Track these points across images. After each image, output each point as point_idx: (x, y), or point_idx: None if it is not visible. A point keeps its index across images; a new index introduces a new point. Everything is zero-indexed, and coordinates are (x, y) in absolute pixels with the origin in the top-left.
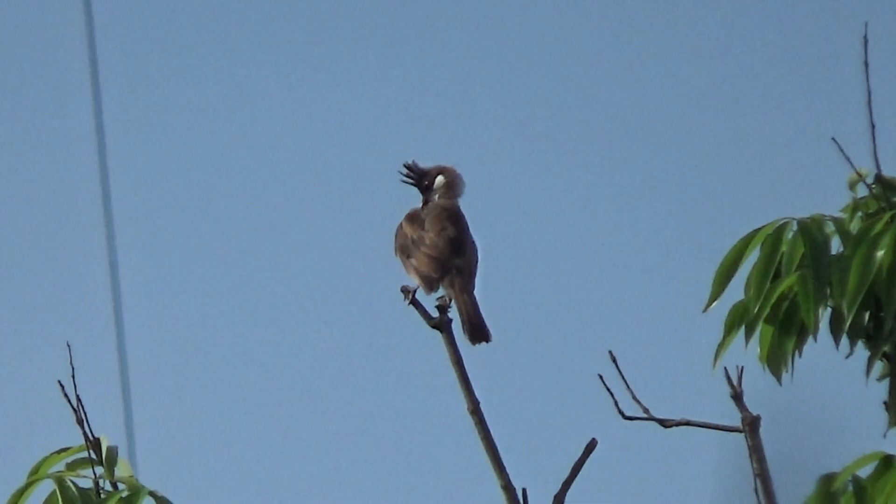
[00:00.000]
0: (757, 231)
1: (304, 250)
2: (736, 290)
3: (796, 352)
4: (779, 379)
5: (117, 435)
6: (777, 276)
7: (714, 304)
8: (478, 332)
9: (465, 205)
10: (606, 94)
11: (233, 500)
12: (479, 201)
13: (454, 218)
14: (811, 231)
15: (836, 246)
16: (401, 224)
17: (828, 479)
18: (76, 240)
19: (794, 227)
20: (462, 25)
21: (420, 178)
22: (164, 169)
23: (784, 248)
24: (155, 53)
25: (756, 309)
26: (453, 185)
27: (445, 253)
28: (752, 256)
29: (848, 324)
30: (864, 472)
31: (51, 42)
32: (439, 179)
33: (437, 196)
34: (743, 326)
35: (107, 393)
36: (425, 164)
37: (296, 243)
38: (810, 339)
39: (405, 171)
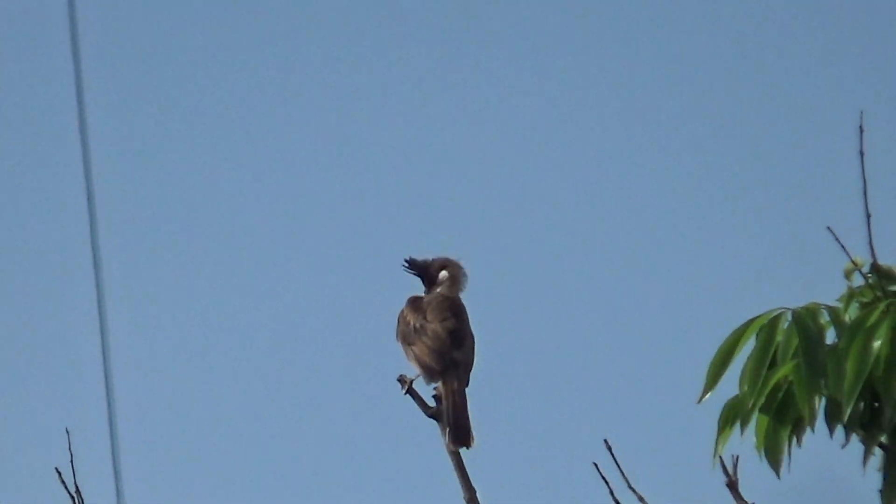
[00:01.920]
0: (751, 322)
1: (304, 333)
2: (731, 379)
3: (794, 442)
4: (777, 471)
5: None
6: (772, 365)
7: (708, 395)
8: (460, 436)
9: (469, 293)
10: (603, 176)
11: None
12: (480, 284)
13: (456, 309)
14: (805, 322)
15: (831, 335)
16: (403, 310)
17: None
18: (69, 324)
19: (789, 318)
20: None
21: (423, 269)
22: (159, 247)
23: (779, 338)
24: (141, 54)
25: (752, 401)
26: (457, 279)
27: (447, 345)
28: (747, 347)
29: (846, 414)
30: None
31: (34, 40)
32: (443, 274)
33: (440, 288)
34: (738, 423)
35: (100, 479)
36: (428, 255)
37: (295, 322)
38: (808, 429)
39: (406, 265)
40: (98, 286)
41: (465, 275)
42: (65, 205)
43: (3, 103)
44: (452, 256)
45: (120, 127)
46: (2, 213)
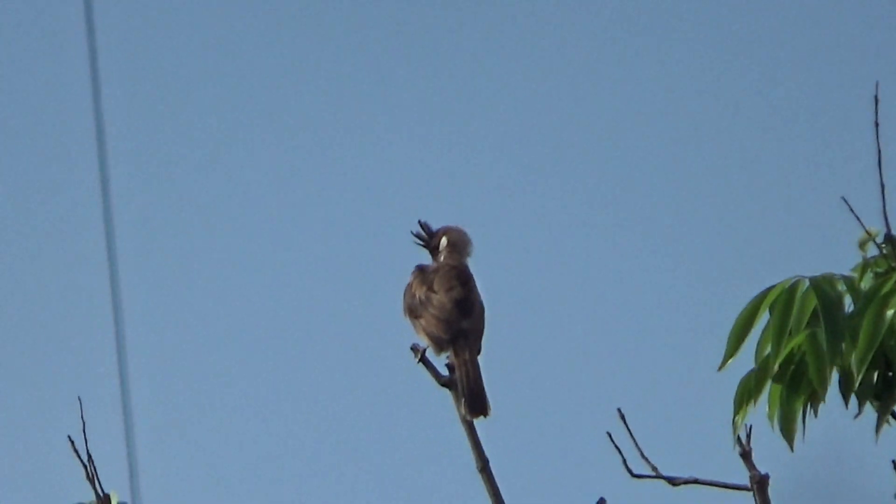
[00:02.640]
0: (769, 290)
1: (315, 305)
2: (745, 353)
3: (809, 412)
4: (791, 443)
5: (122, 487)
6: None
7: (730, 361)
8: (476, 405)
9: (475, 260)
10: (615, 154)
11: None
12: (491, 255)
13: (462, 278)
14: (824, 288)
15: (847, 305)
16: (409, 283)
17: None
18: (82, 293)
19: (807, 285)
20: (472, 62)
21: (429, 239)
22: (172, 221)
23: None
24: (157, 55)
25: (776, 367)
26: (457, 246)
27: (454, 315)
28: (765, 316)
29: (858, 383)
30: None
31: (51, 41)
32: (443, 241)
33: (442, 257)
34: (750, 400)
35: (111, 446)
36: (437, 221)
37: (307, 294)
38: (825, 399)
39: (417, 231)
40: (110, 254)
41: (468, 241)
42: (77, 165)
43: (18, 92)
44: (455, 224)
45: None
46: (15, 175)
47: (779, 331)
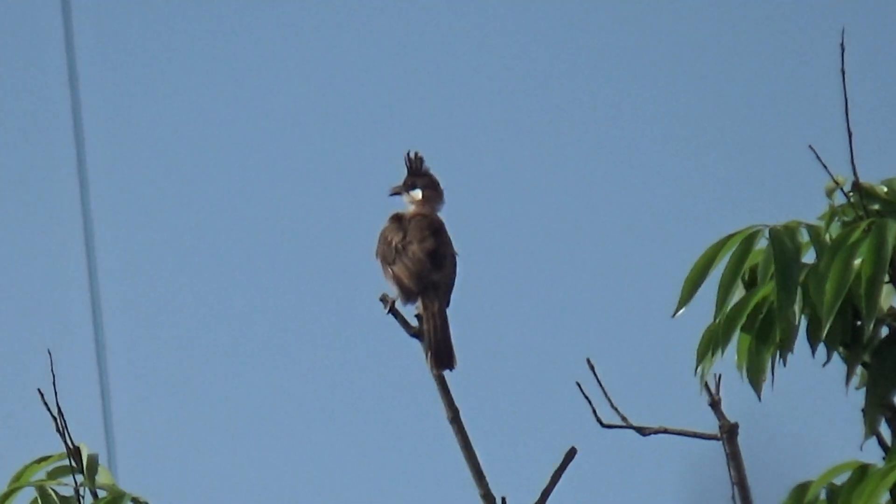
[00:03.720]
0: (728, 238)
1: (284, 258)
2: (711, 298)
3: (778, 361)
4: (758, 392)
5: (97, 440)
6: (753, 285)
7: (682, 310)
8: (442, 359)
9: (447, 209)
10: (580, 102)
11: None
12: (460, 208)
13: (434, 228)
14: (781, 240)
15: (811, 255)
16: (384, 228)
17: (802, 488)
18: (55, 245)
19: (766, 236)
20: (459, 25)
21: (416, 170)
22: (143, 168)
23: (754, 257)
24: (134, 49)
25: (722, 319)
26: (430, 197)
27: (426, 267)
28: (724, 263)
29: (825, 332)
30: (841, 480)
31: (28, 38)
32: (417, 192)
33: (415, 207)
34: (711, 352)
35: (87, 399)
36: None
37: (276, 249)
38: (793, 349)
39: (407, 161)
40: (84, 206)
41: (440, 192)
42: (50, 124)
43: None
44: (427, 174)
45: (115, 130)
46: None
47: (729, 280)
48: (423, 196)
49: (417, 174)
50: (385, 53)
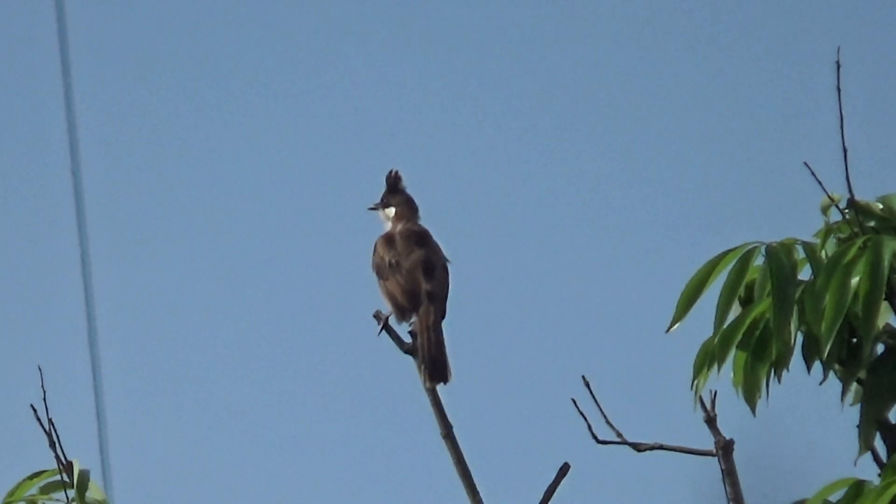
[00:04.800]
0: (724, 255)
1: (279, 272)
2: (710, 315)
3: (773, 378)
4: (753, 409)
5: (92, 457)
6: (749, 301)
7: (676, 326)
8: (436, 373)
9: (436, 223)
10: (579, 118)
11: None
12: (456, 221)
13: (421, 240)
14: (778, 257)
15: (807, 272)
16: (377, 241)
17: None
18: (49, 260)
19: (763, 253)
20: (455, 28)
21: (395, 189)
22: (138, 182)
23: (751, 274)
24: (129, 52)
25: (718, 337)
26: (405, 212)
27: (418, 282)
28: (721, 279)
29: (826, 352)
30: (837, 497)
31: (22, 42)
32: (390, 211)
33: (396, 225)
34: (708, 366)
35: (81, 415)
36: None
37: (272, 264)
38: (789, 366)
39: (390, 176)
40: (79, 219)
41: (414, 205)
42: (47, 127)
43: None
44: (403, 192)
45: (110, 135)
46: None
47: (727, 299)
48: (395, 214)
49: (393, 192)
50: (386, 61)
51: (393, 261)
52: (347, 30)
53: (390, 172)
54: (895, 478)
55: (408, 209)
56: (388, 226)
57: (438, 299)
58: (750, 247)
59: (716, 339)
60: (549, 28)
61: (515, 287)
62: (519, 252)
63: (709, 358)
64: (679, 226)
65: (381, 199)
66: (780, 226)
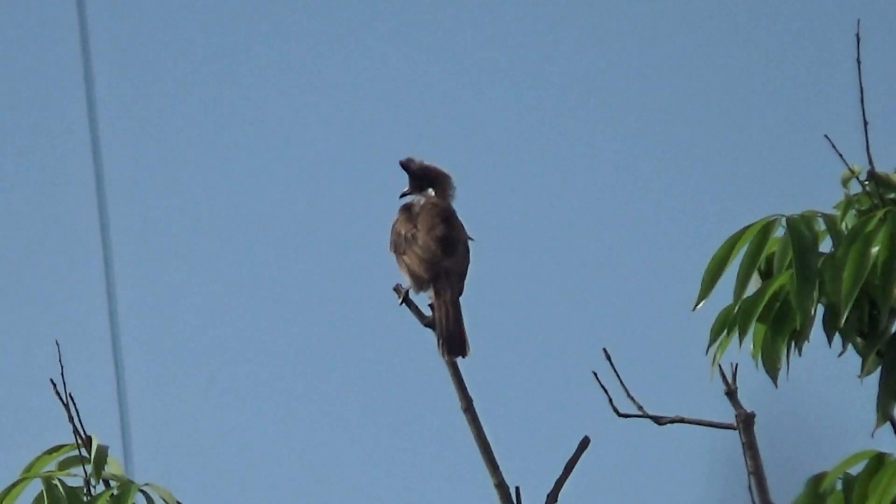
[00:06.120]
0: (745, 229)
1: (299, 247)
2: (730, 287)
3: (794, 351)
4: (775, 381)
5: (113, 432)
6: (769, 274)
7: (702, 303)
8: (454, 347)
9: (461, 200)
10: (598, 93)
11: (229, 495)
12: (476, 198)
13: (445, 216)
14: (798, 229)
15: (827, 244)
16: (396, 219)
17: (817, 480)
18: (69, 235)
19: (783, 225)
20: (466, 22)
21: (415, 173)
22: (157, 162)
23: (770, 246)
24: (149, 51)
25: (737, 310)
26: (441, 185)
27: (437, 255)
28: (742, 253)
29: (843, 321)
30: (857, 469)
31: (45, 40)
32: (427, 181)
33: (425, 197)
34: (727, 332)
35: (103, 390)
36: (423, 159)
37: (291, 239)
38: (809, 338)
39: (401, 168)
40: (99, 192)
41: (451, 181)
42: (64, 113)
43: (13, 98)
44: (442, 167)
45: (131, 117)
46: (12, 197)
47: (746, 271)
48: (436, 193)
49: (422, 174)
50: (402, 42)
51: (409, 234)
52: (372, 18)
53: (405, 160)
54: None
55: (445, 181)
56: (423, 197)
57: (457, 275)
58: (770, 219)
59: (736, 310)
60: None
61: (536, 260)
62: (540, 224)
63: (728, 326)
64: (700, 199)
65: (413, 186)
66: (801, 199)
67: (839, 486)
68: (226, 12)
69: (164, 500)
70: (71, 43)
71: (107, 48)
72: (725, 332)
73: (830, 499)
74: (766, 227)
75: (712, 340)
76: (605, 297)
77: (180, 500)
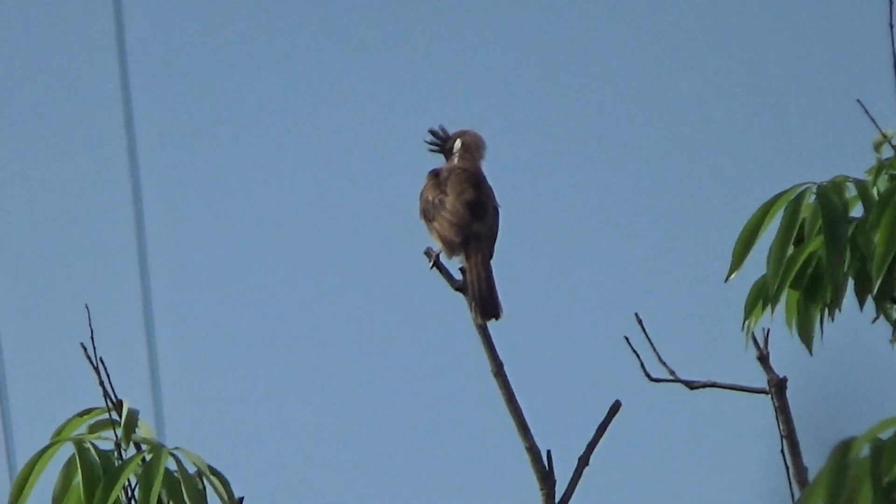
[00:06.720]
0: (777, 197)
1: (331, 214)
2: (760, 256)
3: (827, 317)
4: (809, 347)
5: (144, 396)
6: (801, 241)
7: (735, 273)
8: (487, 309)
9: (490, 167)
10: (633, 60)
11: (260, 458)
12: (507, 162)
13: (474, 180)
14: (828, 196)
15: (859, 210)
16: (424, 186)
17: (845, 446)
18: (102, 199)
19: (814, 192)
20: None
21: (444, 143)
22: (188, 123)
23: (803, 213)
24: (185, 52)
25: (777, 282)
26: (470, 148)
27: (466, 218)
28: (774, 223)
29: (876, 288)
30: (888, 434)
31: (79, 22)
32: (457, 143)
33: (455, 159)
34: (761, 303)
35: (134, 355)
36: (452, 127)
37: (324, 205)
38: (841, 307)
39: (430, 137)
40: (131, 157)
41: (482, 143)
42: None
43: (46, 70)
44: (469, 128)
45: (162, 78)
46: (45, 165)
47: (782, 242)
48: (462, 146)
49: (449, 137)
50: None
51: (437, 200)
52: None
53: (434, 128)
54: None
55: (475, 143)
56: (454, 160)
57: (487, 239)
58: (802, 188)
59: (768, 277)
60: None
61: (568, 224)
62: (573, 190)
63: (761, 295)
64: (733, 166)
65: (440, 148)
66: (832, 165)
67: (868, 451)
68: (260, 14)
69: (195, 464)
70: (105, 19)
71: (143, 53)
72: (759, 304)
73: (859, 464)
74: (800, 196)
75: (747, 313)
76: (637, 261)
77: (211, 465)
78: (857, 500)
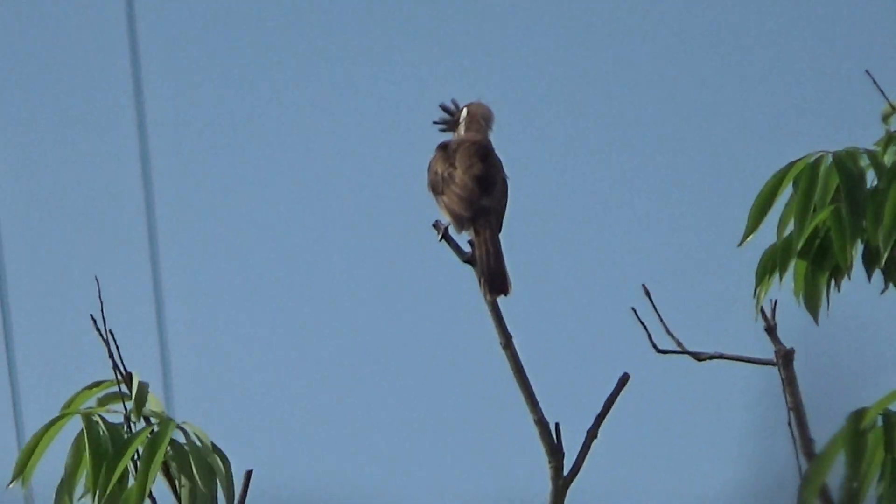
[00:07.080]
0: (791, 165)
1: (339, 186)
2: (769, 226)
3: (833, 287)
4: (816, 317)
5: (153, 369)
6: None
7: (750, 238)
8: (496, 284)
9: (498, 138)
10: (642, 24)
11: (269, 430)
12: (514, 134)
13: (482, 153)
14: (846, 164)
15: (870, 180)
16: (433, 159)
17: (857, 416)
18: (110, 171)
19: (829, 161)
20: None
21: (451, 119)
22: (200, 101)
23: (822, 179)
24: (196, 48)
25: (800, 245)
26: (478, 119)
27: (474, 192)
28: (786, 191)
29: (884, 259)
30: None
31: (93, 20)
32: (463, 113)
33: (462, 131)
34: (773, 273)
35: (143, 327)
36: (461, 99)
37: (332, 178)
38: (850, 276)
39: (440, 114)
40: (140, 129)
41: (489, 115)
42: (109, 38)
43: (58, 54)
44: (476, 100)
45: (170, 49)
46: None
47: (803, 208)
48: (469, 117)
49: (458, 109)
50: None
51: (446, 174)
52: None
53: (444, 107)
54: None
55: (482, 115)
56: (461, 131)
57: (496, 213)
58: (817, 156)
59: (777, 246)
60: None
61: (577, 196)
62: (580, 161)
63: (771, 265)
64: (742, 136)
65: (449, 123)
66: (842, 136)
67: (880, 422)
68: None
69: (198, 437)
70: (119, 17)
71: (154, 31)
72: (768, 274)
73: (871, 435)
74: (816, 163)
75: (758, 282)
76: (644, 233)
77: (217, 441)
78: (870, 468)
